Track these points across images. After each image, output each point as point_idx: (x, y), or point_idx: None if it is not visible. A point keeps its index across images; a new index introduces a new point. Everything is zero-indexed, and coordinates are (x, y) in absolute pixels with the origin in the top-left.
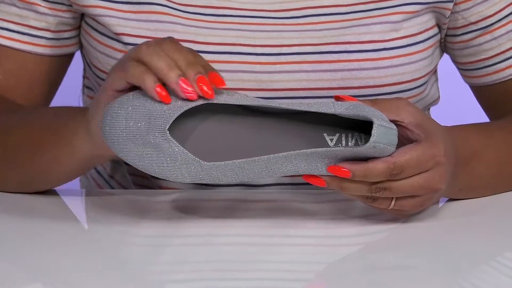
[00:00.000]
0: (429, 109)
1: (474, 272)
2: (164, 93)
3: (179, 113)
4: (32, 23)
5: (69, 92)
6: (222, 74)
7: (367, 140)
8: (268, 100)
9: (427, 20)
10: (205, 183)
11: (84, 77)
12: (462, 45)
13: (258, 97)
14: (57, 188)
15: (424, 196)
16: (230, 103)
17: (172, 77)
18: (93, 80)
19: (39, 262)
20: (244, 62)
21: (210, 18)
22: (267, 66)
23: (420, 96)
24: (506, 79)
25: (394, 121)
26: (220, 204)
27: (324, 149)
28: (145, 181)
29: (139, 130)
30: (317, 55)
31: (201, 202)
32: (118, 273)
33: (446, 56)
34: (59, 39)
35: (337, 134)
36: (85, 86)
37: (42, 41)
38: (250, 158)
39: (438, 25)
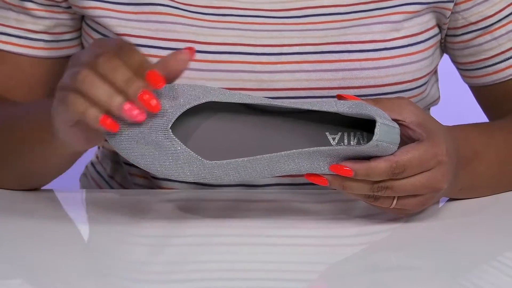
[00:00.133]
0: (429, 109)
1: (475, 272)
2: (109, 121)
3: (182, 111)
4: (29, 26)
5: None
6: (223, 74)
7: (369, 139)
8: (270, 98)
9: (428, 20)
10: (207, 182)
11: None
12: (462, 45)
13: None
14: (57, 188)
15: (426, 195)
16: (232, 101)
17: (114, 106)
18: None
19: (39, 262)
20: (244, 62)
21: (210, 17)
22: (267, 66)
23: (421, 96)
24: (506, 79)
25: (396, 120)
26: (220, 204)
27: (326, 148)
28: (145, 181)
29: (142, 129)
30: (318, 55)
31: (201, 202)
32: (118, 273)
33: (446, 56)
34: (59, 41)
35: (340, 133)
36: None
37: (40, 44)
38: (253, 157)
39: (439, 25)
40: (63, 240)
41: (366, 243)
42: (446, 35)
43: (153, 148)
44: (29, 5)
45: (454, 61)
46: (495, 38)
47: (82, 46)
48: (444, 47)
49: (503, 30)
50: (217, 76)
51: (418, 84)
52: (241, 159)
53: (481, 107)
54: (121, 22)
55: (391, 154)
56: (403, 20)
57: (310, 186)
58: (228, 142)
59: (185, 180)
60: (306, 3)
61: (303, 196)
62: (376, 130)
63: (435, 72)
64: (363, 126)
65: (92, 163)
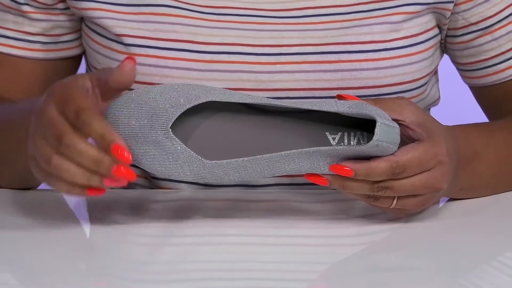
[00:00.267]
0: (429, 109)
1: (475, 272)
2: (95, 191)
3: (182, 111)
4: (27, 29)
5: None
6: (222, 74)
7: (369, 139)
8: (271, 98)
9: (428, 20)
10: (207, 182)
11: None
12: (462, 45)
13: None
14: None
15: (426, 195)
16: (233, 101)
17: (95, 184)
18: None
19: (39, 262)
20: (243, 62)
21: (210, 17)
22: (267, 66)
23: (421, 97)
24: (506, 79)
25: (396, 120)
26: (220, 204)
27: (326, 148)
28: (145, 182)
29: (142, 128)
30: (317, 55)
31: (201, 202)
32: (118, 273)
33: (446, 57)
34: (57, 42)
35: (340, 133)
36: None
37: (38, 46)
38: (253, 157)
39: (439, 26)
40: (63, 240)
41: (366, 243)
42: (446, 36)
43: (153, 148)
44: (26, 8)
45: (454, 62)
46: (495, 39)
47: (82, 47)
48: (444, 47)
49: (503, 31)
50: (216, 76)
51: (418, 85)
52: (241, 159)
53: (481, 107)
54: (120, 22)
55: (391, 154)
56: (403, 21)
57: (310, 186)
58: (228, 142)
59: (185, 180)
60: (306, 3)
61: (302, 196)
62: (376, 130)
63: (435, 72)
64: (364, 126)
65: None
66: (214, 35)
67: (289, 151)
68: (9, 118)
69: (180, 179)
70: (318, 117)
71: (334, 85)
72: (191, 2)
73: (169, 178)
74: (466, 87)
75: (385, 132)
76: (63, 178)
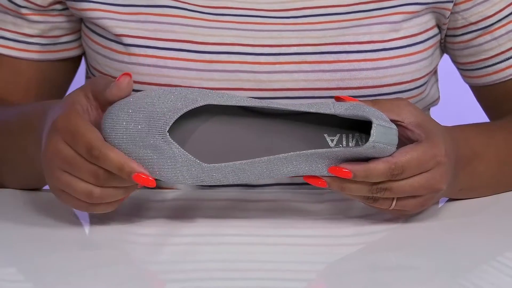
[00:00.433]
0: (429, 109)
1: (475, 272)
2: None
3: (179, 114)
4: (26, 30)
5: None
6: (221, 74)
7: (367, 141)
8: (268, 101)
9: (427, 20)
10: (206, 185)
11: (87, 78)
12: (462, 45)
13: (257, 98)
14: None
15: (425, 196)
16: (230, 104)
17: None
18: None
19: (39, 262)
20: (243, 62)
21: (209, 17)
22: (266, 66)
23: (420, 97)
24: (506, 79)
25: (394, 121)
26: (220, 204)
27: (324, 149)
28: None
29: (140, 133)
30: (316, 55)
31: (201, 202)
32: (118, 272)
33: (446, 57)
34: (56, 44)
35: (338, 135)
36: None
37: (36, 47)
38: (251, 160)
39: (438, 26)
40: (63, 240)
41: (365, 242)
42: (446, 35)
43: (151, 152)
44: (24, 10)
45: (454, 61)
46: (495, 38)
47: (81, 48)
48: (444, 47)
49: (503, 30)
50: (215, 76)
51: (417, 85)
52: (239, 162)
53: (482, 107)
54: (119, 23)
55: (390, 155)
56: (402, 21)
57: (310, 186)
58: (226, 145)
59: (183, 184)
60: (304, 3)
61: (302, 196)
62: (372, 131)
63: (434, 72)
64: (362, 128)
65: None
66: (213, 35)
67: (287, 154)
68: (7, 120)
69: (179, 182)
70: (316, 119)
71: (333, 85)
72: (190, 2)
73: (168, 182)
74: (466, 87)
75: (382, 134)
76: (109, 204)
